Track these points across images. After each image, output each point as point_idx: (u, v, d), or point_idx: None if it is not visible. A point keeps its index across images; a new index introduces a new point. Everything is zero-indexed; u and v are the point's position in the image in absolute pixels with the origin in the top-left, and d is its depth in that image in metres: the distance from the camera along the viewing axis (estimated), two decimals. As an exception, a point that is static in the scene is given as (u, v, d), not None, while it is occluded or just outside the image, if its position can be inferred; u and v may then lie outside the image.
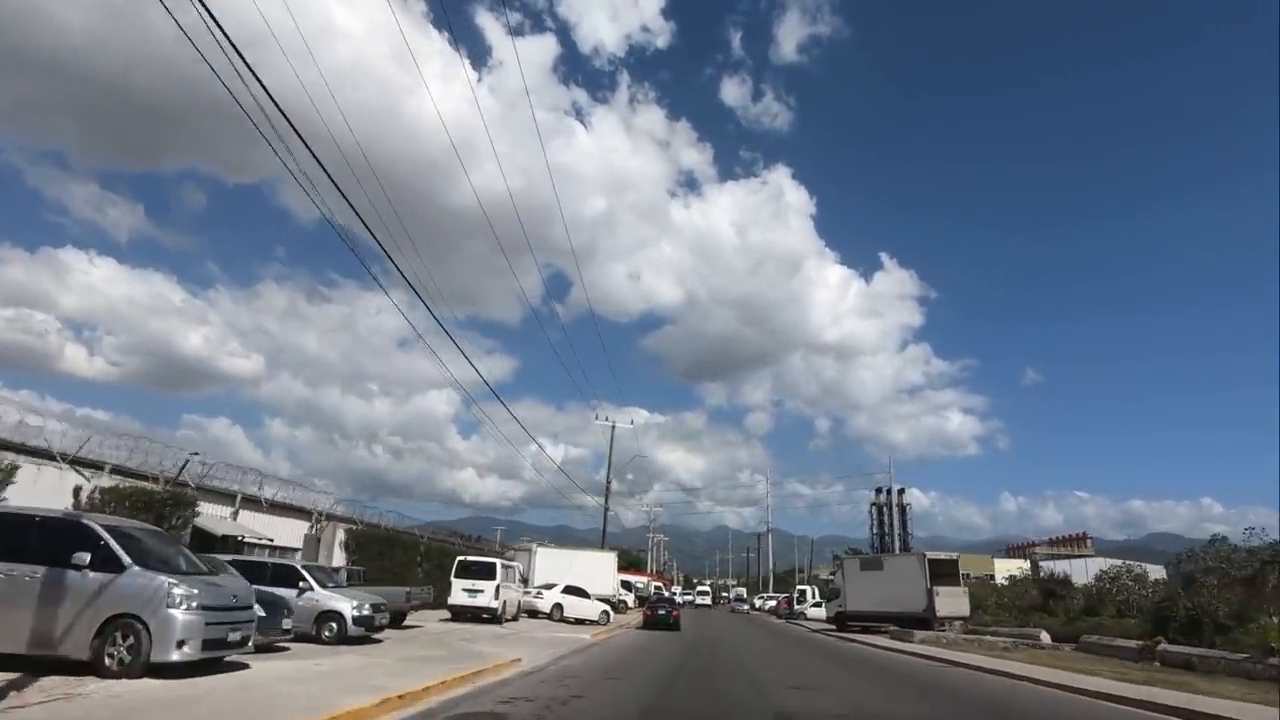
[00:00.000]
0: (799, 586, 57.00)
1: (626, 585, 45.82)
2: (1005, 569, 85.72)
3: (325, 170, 9.30)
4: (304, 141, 8.90)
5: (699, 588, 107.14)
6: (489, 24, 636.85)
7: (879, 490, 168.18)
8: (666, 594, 49.56)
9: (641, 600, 41.89)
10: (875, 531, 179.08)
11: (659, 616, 32.99)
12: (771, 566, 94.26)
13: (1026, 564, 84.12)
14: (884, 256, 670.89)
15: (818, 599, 50.69)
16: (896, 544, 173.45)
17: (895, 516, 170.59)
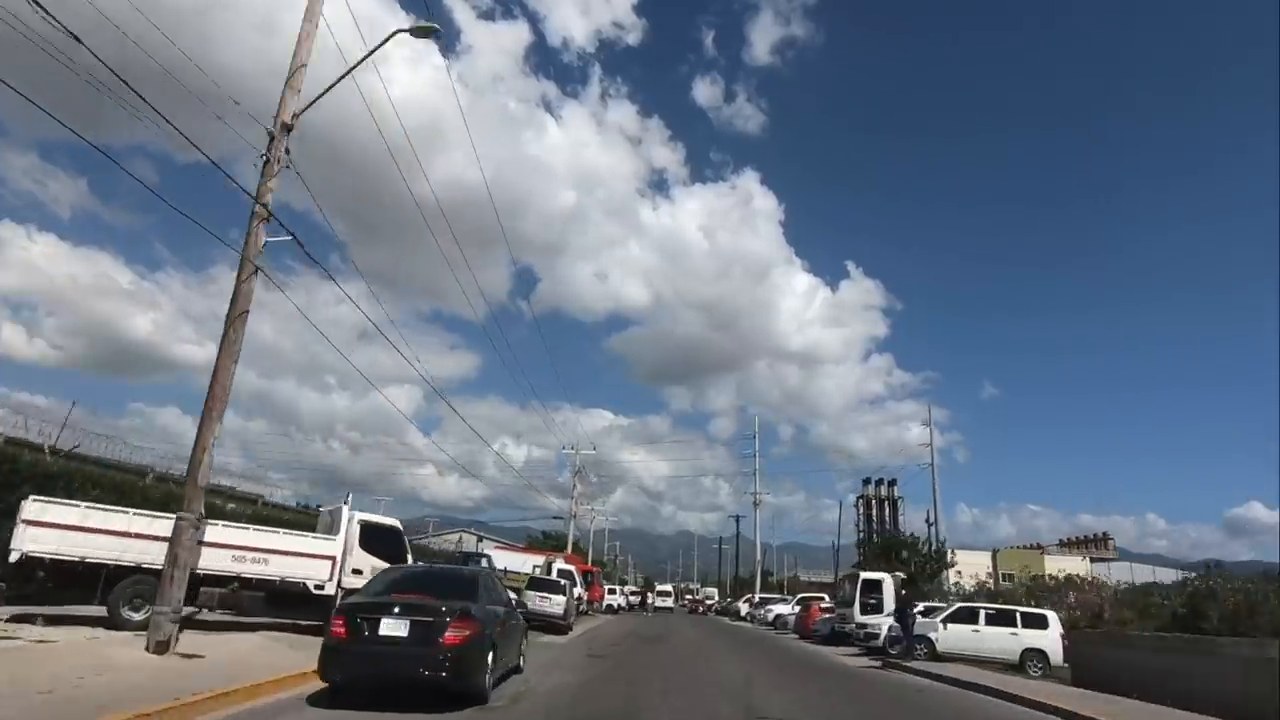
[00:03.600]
0: (866, 574, 26.19)
1: (375, 539, 14.20)
2: (1058, 568, 56.00)
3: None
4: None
5: (659, 588, 78.71)
6: (457, 5, 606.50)
7: (867, 481, 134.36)
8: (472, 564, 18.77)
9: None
10: (863, 529, 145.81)
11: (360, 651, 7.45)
12: (759, 557, 63.68)
13: (1083, 562, 59.03)
14: (850, 265, 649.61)
15: (904, 600, 20.67)
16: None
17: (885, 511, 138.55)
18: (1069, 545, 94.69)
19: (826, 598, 37.02)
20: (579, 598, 31.03)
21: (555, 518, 45.55)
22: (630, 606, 47.04)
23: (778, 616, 36.66)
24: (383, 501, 78.09)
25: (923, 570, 45.30)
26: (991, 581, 49.01)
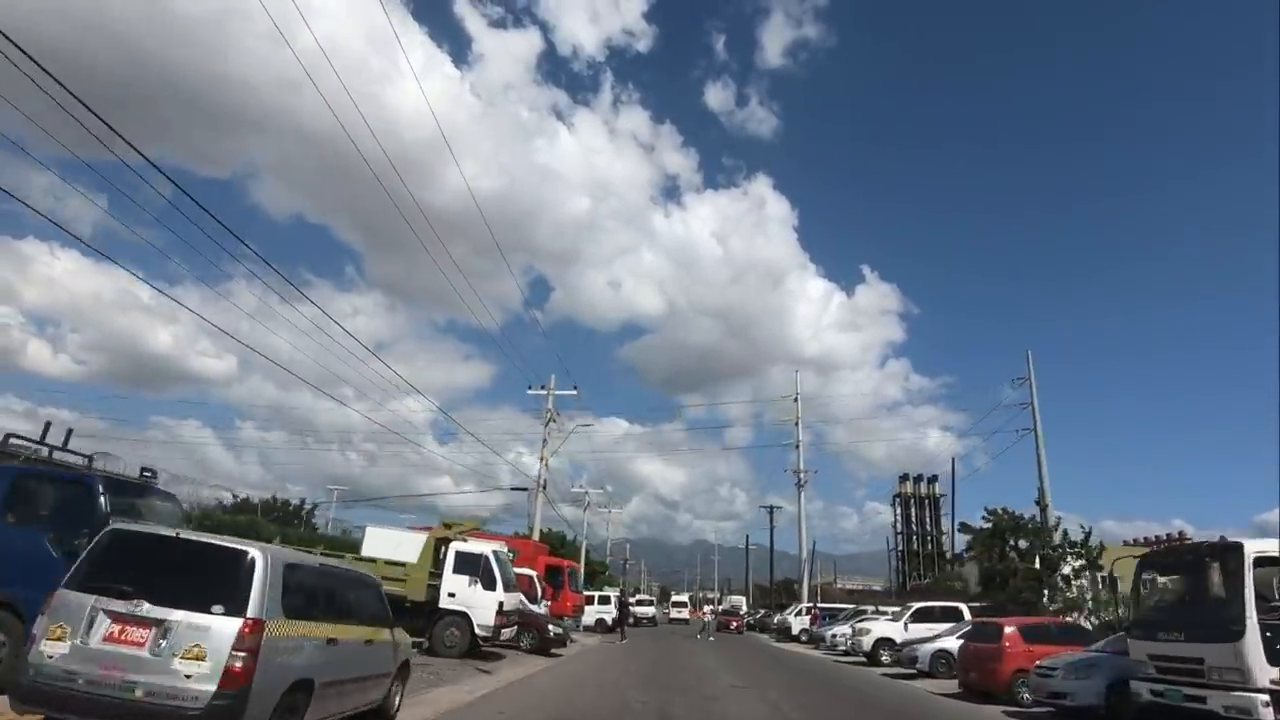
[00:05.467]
0: (1263, 545, 8.79)
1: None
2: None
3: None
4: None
5: (675, 599, 66.72)
6: (468, 13, 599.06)
7: (904, 477, 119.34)
8: None
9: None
10: (901, 529, 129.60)
11: None
12: (807, 555, 47.06)
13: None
14: (866, 270, 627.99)
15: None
16: (928, 542, 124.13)
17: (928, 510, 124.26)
18: (1132, 546, 77.42)
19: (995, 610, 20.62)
20: (503, 614, 14.77)
21: (516, 489, 29.65)
22: (612, 627, 29.64)
23: (882, 644, 20.15)
24: (335, 491, 62.07)
25: (1052, 569, 29.31)
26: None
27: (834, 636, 25.08)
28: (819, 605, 32.33)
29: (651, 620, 47.05)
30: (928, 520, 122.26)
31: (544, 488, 29.01)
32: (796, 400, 49.01)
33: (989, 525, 34.26)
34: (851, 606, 31.61)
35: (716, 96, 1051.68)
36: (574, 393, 30.43)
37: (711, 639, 30.91)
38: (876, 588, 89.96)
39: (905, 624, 20.38)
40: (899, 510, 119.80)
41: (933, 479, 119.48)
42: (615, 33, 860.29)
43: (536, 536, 28.45)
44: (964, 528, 34.97)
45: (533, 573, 20.60)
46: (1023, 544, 32.68)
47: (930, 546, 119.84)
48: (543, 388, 30.03)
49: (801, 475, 47.13)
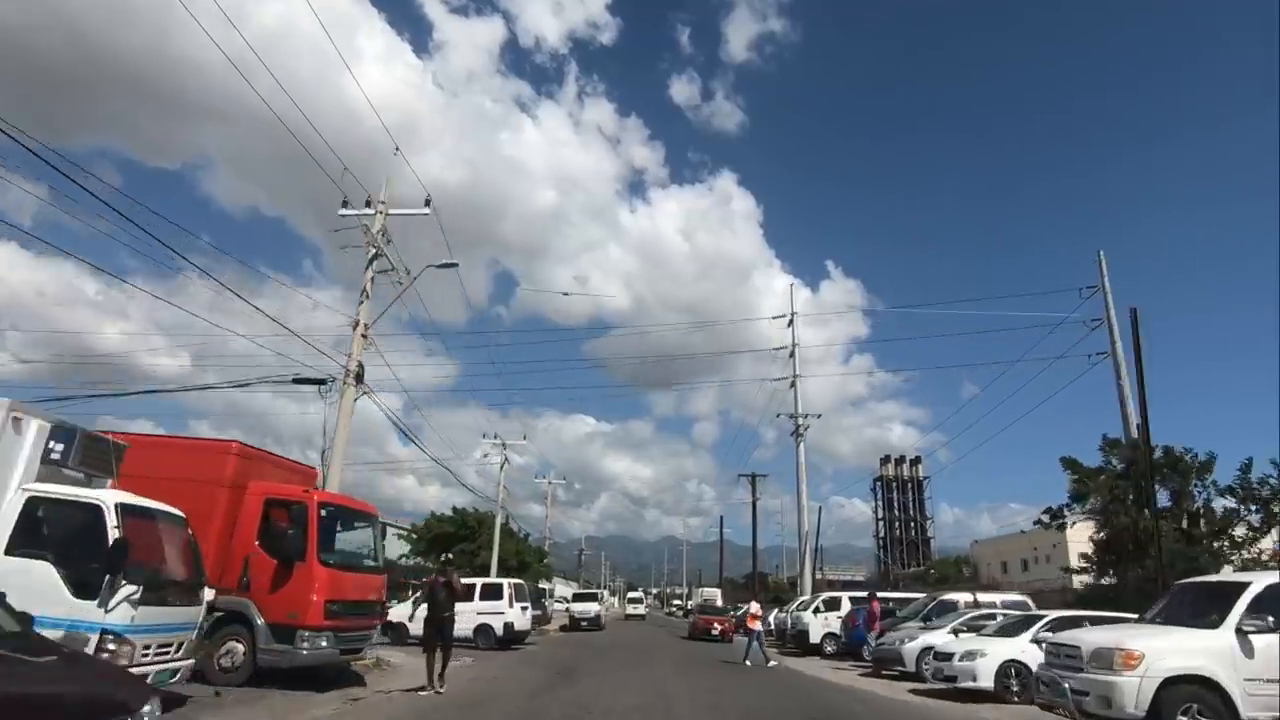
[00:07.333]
0: None
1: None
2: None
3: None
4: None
5: (629, 595, 61.14)
6: (428, 0, 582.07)
7: (886, 459, 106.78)
8: None
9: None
10: (882, 515, 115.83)
11: None
12: (808, 530, 33.27)
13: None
14: (830, 265, 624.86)
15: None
16: (912, 528, 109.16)
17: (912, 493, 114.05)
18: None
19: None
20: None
21: (301, 380, 15.57)
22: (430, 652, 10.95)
23: (1177, 690, 6.58)
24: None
25: (1220, 530, 18.56)
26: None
27: (939, 660, 11.35)
28: (879, 595, 18.24)
29: (595, 621, 32.92)
30: (911, 505, 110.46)
31: (360, 377, 14.73)
32: (791, 324, 35.52)
33: (1115, 464, 21.00)
34: (921, 596, 17.92)
35: (682, 90, 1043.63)
36: (426, 212, 16.14)
37: (773, 664, 16.37)
38: (860, 578, 78.16)
39: (1240, 627, 6.74)
40: (880, 495, 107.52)
41: (915, 460, 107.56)
42: (579, 24, 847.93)
43: (339, 457, 14.10)
44: (1069, 464, 21.42)
45: (157, 509, 6.36)
46: (1160, 493, 20.16)
47: (914, 532, 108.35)
48: (367, 204, 15.71)
49: (800, 421, 33.70)
